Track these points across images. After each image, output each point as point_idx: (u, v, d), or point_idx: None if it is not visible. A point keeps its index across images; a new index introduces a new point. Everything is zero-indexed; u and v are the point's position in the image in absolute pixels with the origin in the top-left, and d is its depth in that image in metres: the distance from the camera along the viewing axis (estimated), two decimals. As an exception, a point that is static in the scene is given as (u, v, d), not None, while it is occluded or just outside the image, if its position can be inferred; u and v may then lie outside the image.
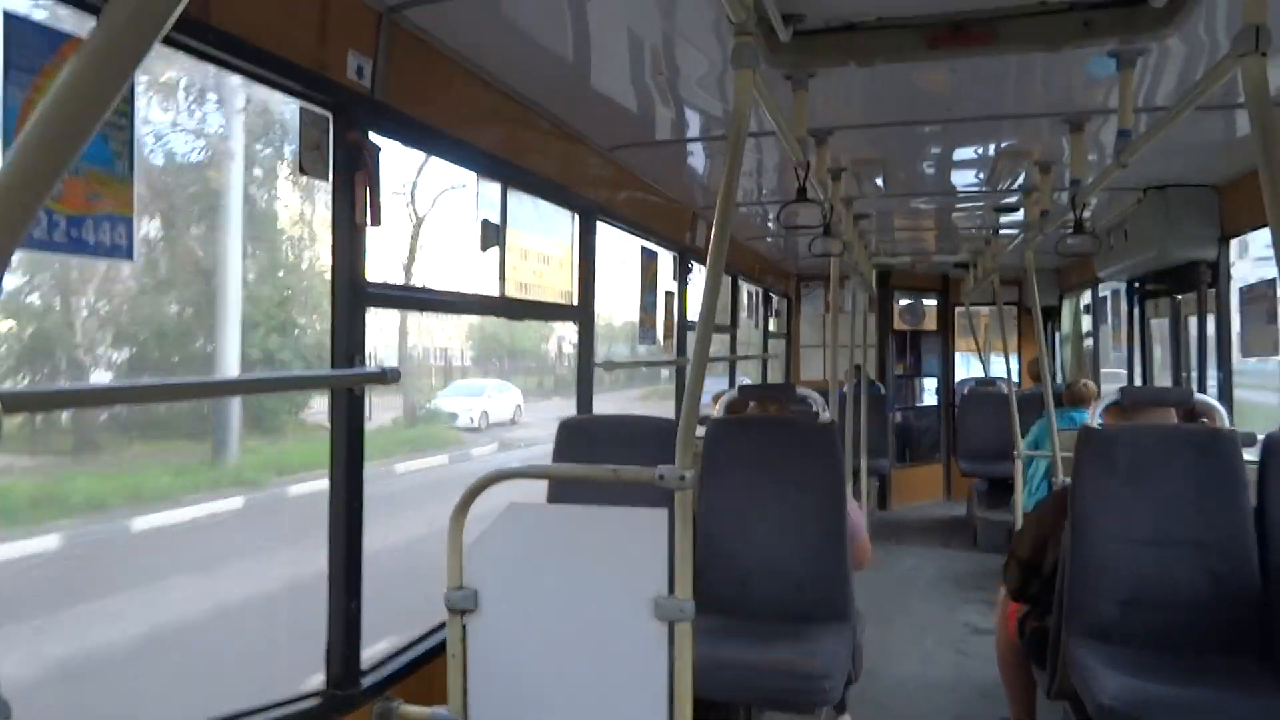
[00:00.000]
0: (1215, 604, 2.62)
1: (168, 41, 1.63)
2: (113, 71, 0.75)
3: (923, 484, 9.11)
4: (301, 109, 2.00)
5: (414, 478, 11.90)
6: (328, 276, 2.15)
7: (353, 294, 2.14)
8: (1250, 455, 2.81)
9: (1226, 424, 2.91)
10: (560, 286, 3.74)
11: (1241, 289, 4.31)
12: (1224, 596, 2.62)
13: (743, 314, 7.01)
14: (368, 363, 2.17)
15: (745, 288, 7.08)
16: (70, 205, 1.42)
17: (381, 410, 13.53)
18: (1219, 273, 4.43)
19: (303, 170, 2.00)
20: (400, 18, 2.21)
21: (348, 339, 2.13)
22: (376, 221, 2.12)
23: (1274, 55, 1.66)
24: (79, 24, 1.47)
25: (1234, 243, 4.42)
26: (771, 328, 8.22)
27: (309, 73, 1.96)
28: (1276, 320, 3.91)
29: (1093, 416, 2.94)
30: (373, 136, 2.15)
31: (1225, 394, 4.34)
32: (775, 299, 8.32)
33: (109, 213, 1.49)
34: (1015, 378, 6.59)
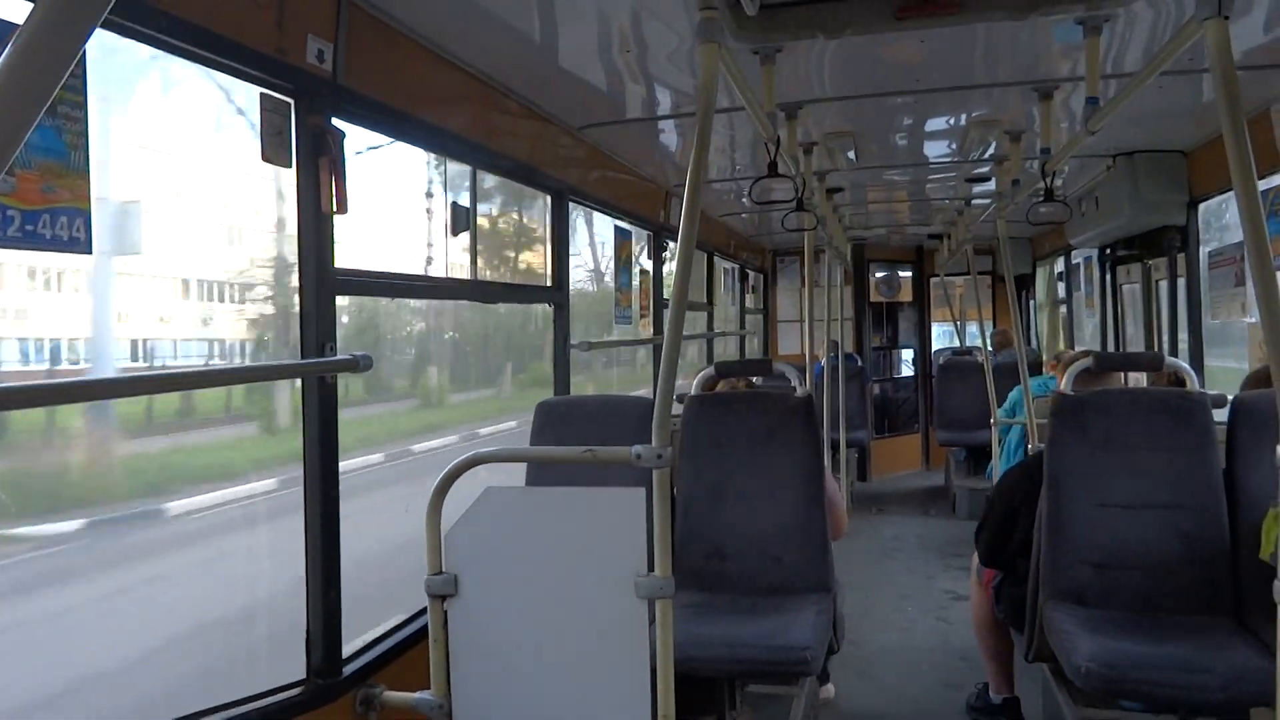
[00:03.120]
0: (1188, 565, 2.67)
1: (119, 29, 1.59)
2: (52, 58, 0.73)
3: (901, 454, 9.19)
4: (261, 95, 1.96)
5: None
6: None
7: (321, 281, 2.11)
8: (1220, 416, 2.85)
9: (1197, 387, 2.95)
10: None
11: (1209, 253, 4.36)
12: (1196, 557, 2.67)
13: (720, 291, 7.00)
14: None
15: (721, 264, 7.07)
16: (24, 200, 1.38)
17: None
18: (1188, 237, 4.48)
19: (265, 157, 1.96)
20: (361, 0, 2.17)
21: (318, 327, 2.10)
22: (343, 209, 2.09)
23: (1236, 18, 1.67)
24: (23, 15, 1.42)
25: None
26: (748, 304, 8.23)
27: (267, 58, 1.92)
28: (1246, 283, 3.96)
29: (1064, 382, 2.97)
30: (336, 122, 2.12)
31: (1196, 357, 4.39)
32: (751, 275, 8.32)
33: (65, 206, 1.45)
34: (991, 346, 6.66)
